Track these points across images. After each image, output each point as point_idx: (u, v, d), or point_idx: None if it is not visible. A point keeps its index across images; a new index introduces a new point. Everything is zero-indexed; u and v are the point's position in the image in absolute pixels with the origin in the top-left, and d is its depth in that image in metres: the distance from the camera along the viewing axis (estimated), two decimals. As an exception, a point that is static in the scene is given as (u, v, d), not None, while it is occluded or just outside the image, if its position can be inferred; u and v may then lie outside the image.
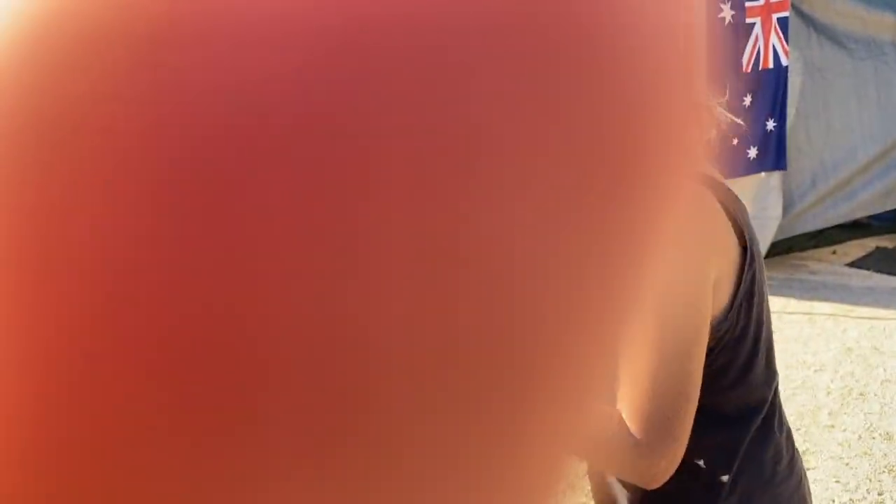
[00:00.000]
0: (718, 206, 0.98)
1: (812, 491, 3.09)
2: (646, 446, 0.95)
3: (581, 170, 0.14)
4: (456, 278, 0.13)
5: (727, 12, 4.67)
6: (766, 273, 1.11)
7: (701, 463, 1.04)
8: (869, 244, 5.81)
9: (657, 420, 0.94)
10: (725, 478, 1.05)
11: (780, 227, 5.07)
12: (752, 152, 4.79)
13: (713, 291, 0.98)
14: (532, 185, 0.14)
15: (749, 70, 4.76)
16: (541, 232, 0.14)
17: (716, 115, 1.05)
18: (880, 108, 5.31)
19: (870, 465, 3.04)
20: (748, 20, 4.78)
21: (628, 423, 0.96)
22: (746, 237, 1.02)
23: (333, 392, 0.13)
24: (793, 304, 4.68)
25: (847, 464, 3.04)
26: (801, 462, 1.16)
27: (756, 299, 1.04)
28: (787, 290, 4.85)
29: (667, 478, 0.97)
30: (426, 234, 0.13)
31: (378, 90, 0.13)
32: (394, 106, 0.13)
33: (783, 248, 5.39)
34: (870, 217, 5.93)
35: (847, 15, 5.13)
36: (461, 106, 0.13)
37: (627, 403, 0.96)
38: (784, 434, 1.13)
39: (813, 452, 3.12)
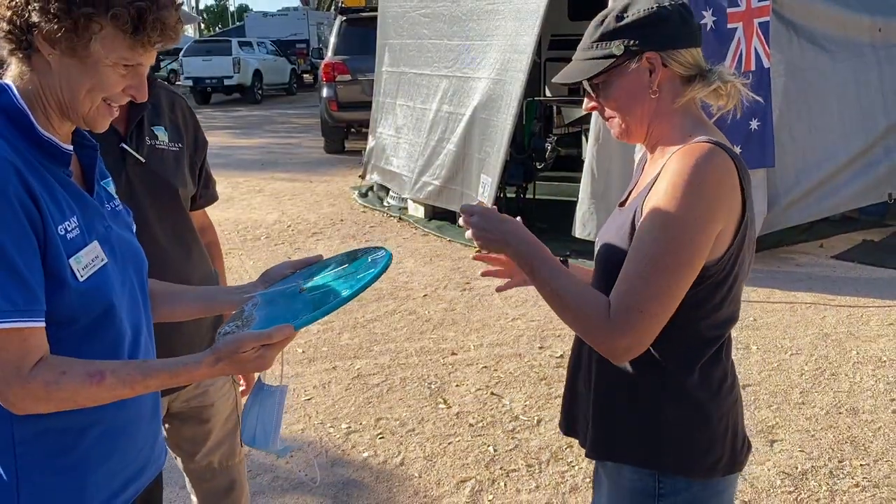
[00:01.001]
0: (737, 175, 1.33)
1: (776, 460, 3.37)
2: (612, 320, 1.28)
3: None
4: None
5: (709, 18, 4.92)
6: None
7: (667, 366, 1.38)
8: (856, 237, 6.02)
9: (625, 303, 1.28)
10: (685, 382, 1.37)
11: (766, 222, 5.29)
12: (736, 150, 5.02)
13: (715, 241, 1.32)
14: None
15: (731, 73, 4.99)
16: None
17: (740, 90, 1.40)
18: (860, 107, 5.53)
19: (834, 436, 3.27)
20: (730, 25, 5.03)
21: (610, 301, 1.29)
22: (747, 205, 1.36)
23: None
24: (777, 293, 4.91)
25: (813, 436, 3.27)
26: (740, 388, 1.48)
27: (741, 256, 1.38)
28: (771, 282, 5.08)
29: (626, 358, 1.31)
30: None
31: None
32: None
33: (772, 241, 5.61)
34: (859, 211, 6.14)
35: (826, 18, 5.37)
36: None
37: (615, 294, 1.30)
38: (730, 362, 1.46)
39: (781, 427, 3.35)
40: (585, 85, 1.42)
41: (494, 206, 1.45)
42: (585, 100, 1.46)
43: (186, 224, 1.80)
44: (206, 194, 1.94)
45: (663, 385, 1.38)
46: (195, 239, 1.82)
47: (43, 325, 1.14)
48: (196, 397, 1.86)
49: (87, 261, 1.19)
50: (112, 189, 1.37)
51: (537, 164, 6.93)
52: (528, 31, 5.76)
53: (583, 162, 8.64)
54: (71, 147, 1.24)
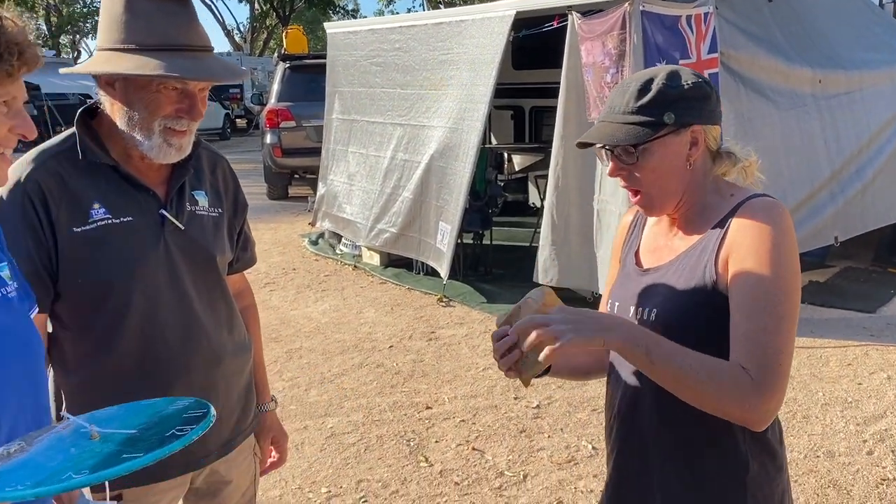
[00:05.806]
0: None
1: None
2: (758, 384, 1.23)
3: None
4: None
5: (664, 70, 5.08)
6: None
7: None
8: (803, 279, 6.22)
9: (763, 363, 1.24)
10: (766, 434, 1.37)
11: (722, 266, 5.41)
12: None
13: None
14: None
15: (686, 122, 5.15)
16: None
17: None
18: (805, 155, 5.76)
19: (816, 481, 3.30)
20: (683, 77, 5.20)
21: (745, 369, 1.24)
22: None
23: None
24: (737, 337, 5.00)
25: (796, 481, 3.30)
26: None
27: None
28: (731, 325, 5.17)
29: (769, 421, 1.27)
30: None
31: None
32: None
33: (725, 285, 5.73)
34: (803, 254, 6.36)
35: (770, 70, 5.60)
36: None
37: (744, 355, 1.24)
38: None
39: (764, 472, 3.37)
40: (616, 150, 1.37)
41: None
42: (610, 164, 1.40)
43: (222, 290, 1.70)
44: (244, 258, 1.85)
45: (751, 440, 1.36)
46: (229, 305, 1.72)
47: None
48: (217, 473, 1.73)
49: None
50: (6, 273, 1.23)
51: (492, 210, 6.97)
52: (483, 82, 5.82)
53: (529, 206, 8.81)
54: None
